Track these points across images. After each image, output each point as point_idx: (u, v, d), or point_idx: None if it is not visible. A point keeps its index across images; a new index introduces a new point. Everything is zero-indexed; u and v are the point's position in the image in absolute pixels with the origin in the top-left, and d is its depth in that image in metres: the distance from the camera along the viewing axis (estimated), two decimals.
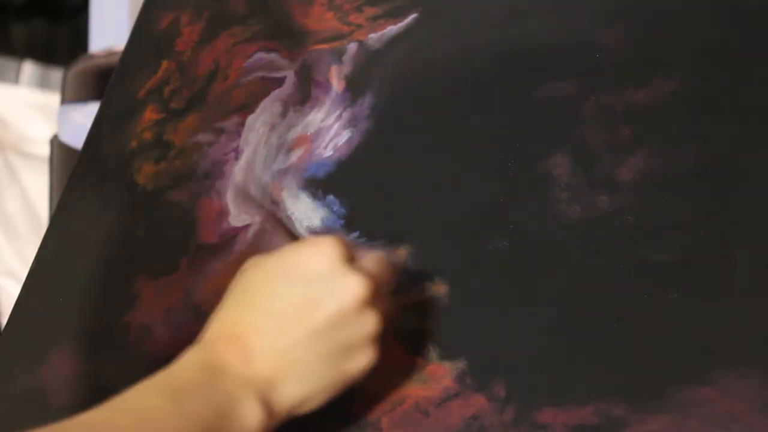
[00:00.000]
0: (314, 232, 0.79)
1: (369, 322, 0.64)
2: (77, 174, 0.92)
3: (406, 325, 0.72)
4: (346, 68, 0.85)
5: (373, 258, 0.68)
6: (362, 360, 0.65)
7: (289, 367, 0.63)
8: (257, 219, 0.83)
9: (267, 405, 0.62)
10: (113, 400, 0.60)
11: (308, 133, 0.84)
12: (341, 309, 0.63)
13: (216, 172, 0.87)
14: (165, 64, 0.95)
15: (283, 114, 0.87)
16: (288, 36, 0.90)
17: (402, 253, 0.73)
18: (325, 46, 0.88)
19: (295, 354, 0.63)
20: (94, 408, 0.59)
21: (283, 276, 0.64)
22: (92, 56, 1.66)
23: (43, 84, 2.14)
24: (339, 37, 0.87)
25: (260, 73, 0.90)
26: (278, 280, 0.64)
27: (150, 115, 0.93)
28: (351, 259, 0.65)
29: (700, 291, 0.65)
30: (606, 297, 0.67)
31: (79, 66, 1.63)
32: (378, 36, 0.86)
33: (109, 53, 1.63)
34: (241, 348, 0.63)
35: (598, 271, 0.68)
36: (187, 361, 0.63)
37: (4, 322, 0.86)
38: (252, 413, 0.61)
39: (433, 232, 0.75)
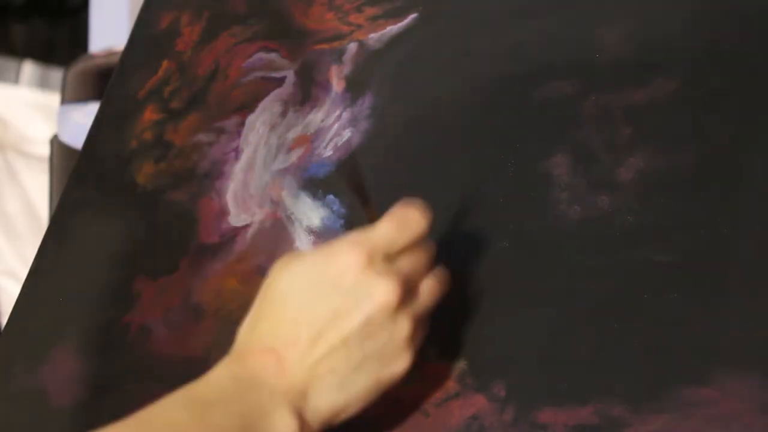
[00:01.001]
0: (314, 233, 0.79)
1: (402, 328, 0.63)
2: (77, 174, 0.92)
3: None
4: (346, 68, 0.85)
5: (408, 244, 0.65)
6: (397, 366, 0.64)
7: (323, 378, 0.62)
8: (257, 219, 0.83)
9: (301, 416, 0.62)
10: (140, 413, 0.60)
11: (308, 133, 0.84)
12: (369, 319, 0.62)
13: (216, 172, 0.87)
14: (165, 64, 0.95)
15: (283, 114, 0.87)
16: (288, 36, 0.90)
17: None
18: (325, 46, 0.88)
19: (328, 365, 0.62)
20: (120, 421, 0.59)
21: (311, 285, 0.63)
22: (92, 56, 1.66)
23: (43, 84, 2.14)
24: (339, 37, 0.87)
25: (260, 73, 0.90)
26: (306, 291, 0.63)
27: (150, 115, 0.93)
28: (381, 258, 0.63)
29: (700, 291, 0.65)
30: (606, 297, 0.67)
31: (79, 66, 1.63)
32: (378, 36, 0.86)
33: (109, 53, 1.63)
34: (273, 360, 0.62)
35: (598, 271, 0.68)
36: (218, 375, 0.62)
37: (4, 322, 0.86)
38: (285, 424, 0.61)
39: (433, 232, 0.75)
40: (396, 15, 0.86)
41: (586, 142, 0.73)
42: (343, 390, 0.63)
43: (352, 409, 0.64)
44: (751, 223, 0.66)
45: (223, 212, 0.84)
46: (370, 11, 0.87)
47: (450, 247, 0.74)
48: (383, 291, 0.62)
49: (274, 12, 0.92)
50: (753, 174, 0.68)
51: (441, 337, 0.71)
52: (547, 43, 0.79)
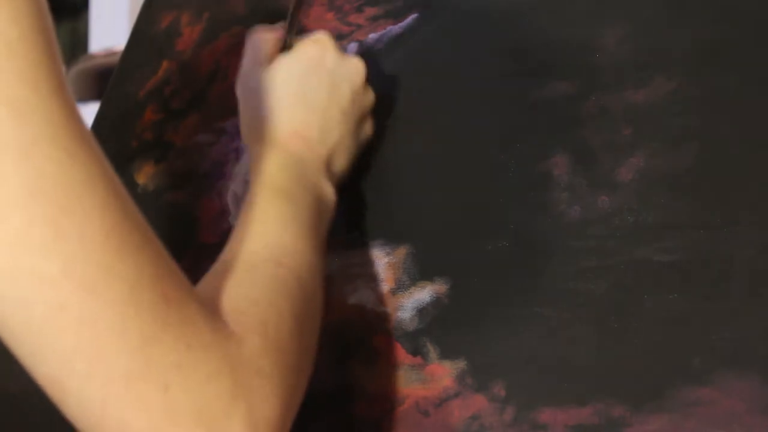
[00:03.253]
0: None
1: (369, 96, 0.79)
2: None
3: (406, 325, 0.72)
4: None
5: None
6: (368, 128, 0.79)
7: (335, 145, 0.75)
8: None
9: (332, 180, 0.74)
10: (249, 215, 0.66)
11: None
12: (354, 88, 0.77)
13: (216, 172, 0.87)
14: (165, 64, 0.95)
15: None
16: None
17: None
18: None
19: (336, 134, 0.75)
20: (237, 226, 0.66)
21: (306, 74, 0.76)
22: (92, 56, 1.67)
23: None
24: (339, 37, 0.87)
25: None
26: (303, 79, 0.75)
27: (150, 115, 0.93)
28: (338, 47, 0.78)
29: (700, 291, 0.65)
30: (606, 297, 0.67)
31: (79, 66, 1.63)
32: (378, 36, 0.86)
33: (109, 53, 1.63)
34: (303, 141, 0.73)
35: (598, 271, 0.68)
36: (277, 165, 0.71)
37: None
38: (329, 191, 0.73)
39: (433, 232, 0.75)
40: (396, 15, 0.86)
41: (586, 142, 0.73)
42: (346, 152, 0.76)
43: (349, 167, 0.78)
44: (751, 223, 0.66)
45: (223, 212, 0.84)
46: (370, 11, 0.87)
47: (450, 247, 0.74)
48: (358, 65, 0.78)
49: (274, 12, 0.92)
50: (753, 174, 0.67)
51: (441, 337, 0.71)
52: (547, 43, 0.79)
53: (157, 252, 0.53)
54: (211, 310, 0.55)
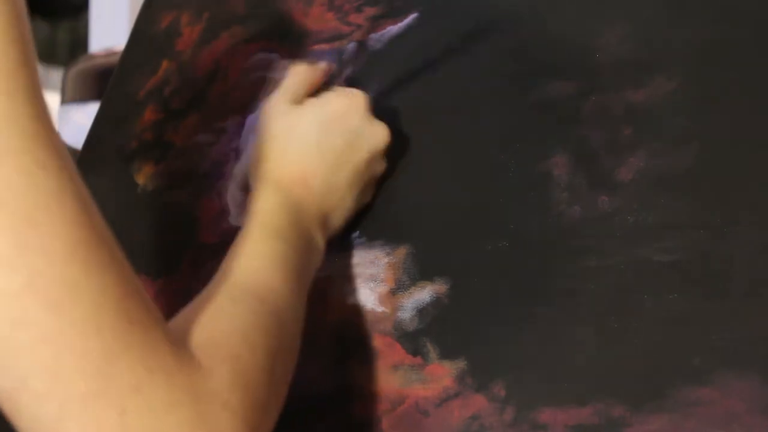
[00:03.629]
0: None
1: (381, 166, 0.78)
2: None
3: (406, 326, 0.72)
4: (346, 68, 0.85)
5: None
6: (369, 196, 0.78)
7: (338, 202, 0.75)
8: None
9: (324, 234, 0.74)
10: (239, 249, 0.66)
11: None
12: (373, 154, 0.76)
13: (216, 172, 0.87)
14: (165, 64, 0.95)
15: None
16: (288, 36, 0.90)
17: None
18: (325, 46, 0.88)
19: (341, 191, 0.75)
20: (223, 263, 0.66)
21: (328, 126, 0.75)
22: (92, 56, 1.66)
23: (43, 84, 2.13)
24: (339, 37, 0.87)
25: (260, 73, 0.90)
26: (324, 131, 0.75)
27: (150, 115, 0.93)
28: (371, 109, 0.77)
29: (700, 291, 0.65)
30: (606, 297, 0.67)
31: (79, 66, 1.63)
32: (378, 36, 0.86)
33: (109, 53, 1.63)
34: (305, 188, 0.73)
35: (598, 271, 0.68)
36: (273, 205, 0.71)
37: None
38: (321, 243, 0.73)
39: (433, 232, 0.75)
40: (396, 15, 0.86)
41: (586, 142, 0.73)
42: (345, 213, 0.76)
43: (342, 227, 0.77)
44: (751, 223, 0.66)
45: (223, 212, 0.84)
46: (370, 11, 0.87)
47: (450, 247, 0.74)
48: (383, 133, 0.76)
49: (274, 12, 0.92)
50: (753, 174, 0.67)
51: (441, 337, 0.71)
52: (547, 43, 0.79)
53: (123, 271, 0.52)
54: (179, 337, 0.54)
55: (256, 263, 0.65)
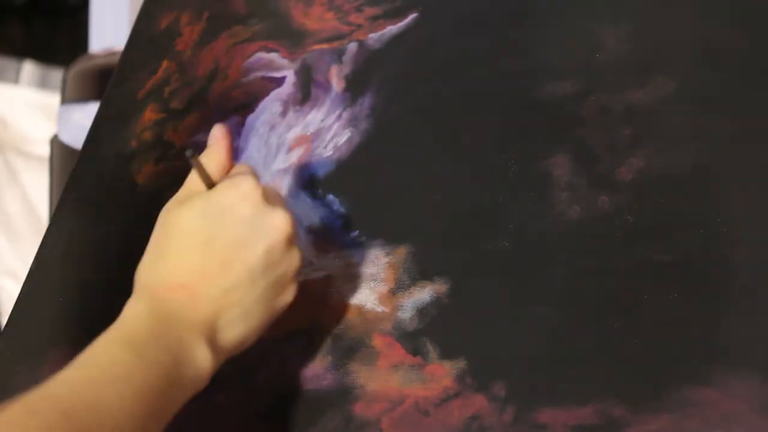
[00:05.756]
0: (314, 232, 0.79)
1: (294, 259, 0.67)
2: (77, 174, 0.92)
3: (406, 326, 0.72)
4: (346, 68, 0.85)
5: (274, 191, 0.69)
6: (287, 296, 0.68)
7: (231, 309, 0.65)
8: None
9: (214, 347, 0.64)
10: (79, 358, 0.60)
11: (308, 133, 0.84)
12: (271, 248, 0.66)
13: None
14: (165, 64, 0.95)
15: (283, 114, 0.87)
16: (288, 36, 0.90)
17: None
18: (325, 46, 0.88)
19: (236, 295, 0.65)
20: (66, 367, 0.59)
21: (212, 219, 0.65)
22: (92, 56, 1.66)
23: (43, 84, 2.13)
24: (339, 37, 0.87)
25: (260, 73, 0.90)
26: (210, 225, 0.65)
27: (150, 115, 0.93)
28: (267, 196, 0.67)
29: (700, 291, 0.65)
30: (606, 297, 0.67)
31: (79, 66, 1.63)
32: (378, 36, 0.86)
33: (109, 53, 1.63)
34: (187, 295, 0.64)
35: (598, 271, 0.68)
36: (138, 313, 0.63)
37: (4, 322, 0.86)
38: (203, 357, 0.63)
39: (433, 232, 0.75)
40: (396, 15, 0.86)
41: (586, 142, 0.73)
42: (247, 320, 0.66)
43: (252, 339, 0.67)
44: (751, 222, 0.66)
45: None
46: (370, 11, 0.87)
47: (450, 247, 0.74)
48: (282, 221, 0.66)
49: (274, 12, 0.93)
50: (753, 174, 0.68)
51: (441, 337, 0.71)
52: (547, 43, 0.79)
53: None
54: None
55: (87, 374, 0.59)
